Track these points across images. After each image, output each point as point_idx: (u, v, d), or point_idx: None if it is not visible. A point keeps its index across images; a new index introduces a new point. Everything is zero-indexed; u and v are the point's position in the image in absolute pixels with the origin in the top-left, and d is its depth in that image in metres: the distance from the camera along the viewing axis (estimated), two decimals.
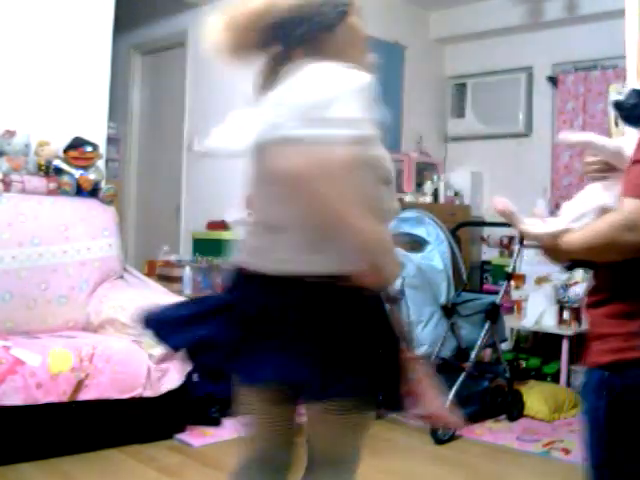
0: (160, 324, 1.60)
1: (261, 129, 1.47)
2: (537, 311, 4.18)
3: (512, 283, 4.41)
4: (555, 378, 4.06)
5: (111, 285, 3.46)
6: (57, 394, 2.75)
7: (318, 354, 1.43)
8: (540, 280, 4.54)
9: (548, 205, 5.08)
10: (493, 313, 3.47)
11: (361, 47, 1.63)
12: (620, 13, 2.60)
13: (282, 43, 1.58)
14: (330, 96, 1.36)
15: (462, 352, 3.38)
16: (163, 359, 2.96)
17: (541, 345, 4.40)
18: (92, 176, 3.60)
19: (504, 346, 4.09)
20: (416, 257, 3.36)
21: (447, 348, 3.31)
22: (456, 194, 5.53)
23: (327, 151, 1.31)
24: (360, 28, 1.62)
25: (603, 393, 1.34)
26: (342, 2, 1.57)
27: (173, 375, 3.07)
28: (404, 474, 2.88)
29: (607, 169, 1.54)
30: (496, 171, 5.64)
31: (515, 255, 3.72)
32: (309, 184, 1.30)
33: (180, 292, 3.91)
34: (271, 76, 1.63)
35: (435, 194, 5.34)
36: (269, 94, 1.56)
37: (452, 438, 3.25)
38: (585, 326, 3.83)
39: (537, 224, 1.52)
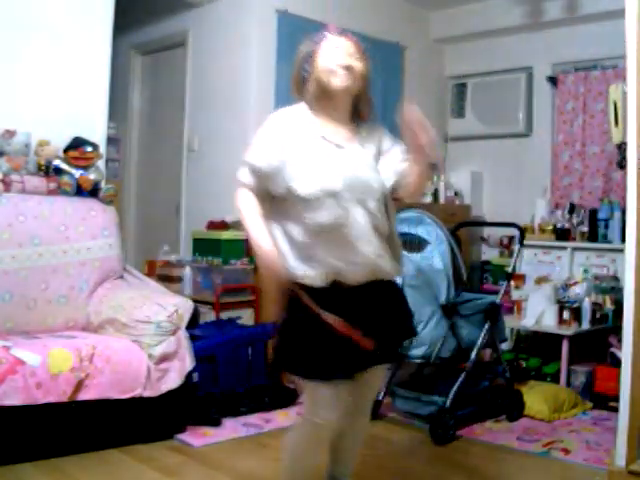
0: None
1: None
2: (537, 311, 4.18)
3: (512, 283, 4.41)
4: (555, 378, 4.06)
5: (111, 285, 3.46)
6: (57, 394, 2.75)
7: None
8: (540, 280, 4.54)
9: (548, 205, 5.09)
10: (493, 313, 3.47)
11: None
12: (620, 13, 2.60)
13: None
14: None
15: (462, 352, 3.37)
16: None
17: (541, 345, 4.40)
18: (92, 176, 3.60)
19: (504, 346, 4.09)
20: (416, 257, 3.35)
21: (447, 348, 3.31)
22: (456, 194, 5.53)
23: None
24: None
25: None
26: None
27: (173, 375, 3.07)
28: (404, 474, 2.88)
29: None
30: (496, 171, 5.64)
31: (515, 255, 3.72)
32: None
33: (180, 292, 3.91)
34: None
35: (435, 194, 5.34)
36: None
37: (452, 438, 3.25)
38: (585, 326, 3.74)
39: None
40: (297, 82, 2.05)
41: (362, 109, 2.09)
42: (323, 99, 2.01)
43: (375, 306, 2.05)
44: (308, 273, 1.94)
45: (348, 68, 1.97)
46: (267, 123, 2.02)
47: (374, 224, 1.98)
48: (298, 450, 2.14)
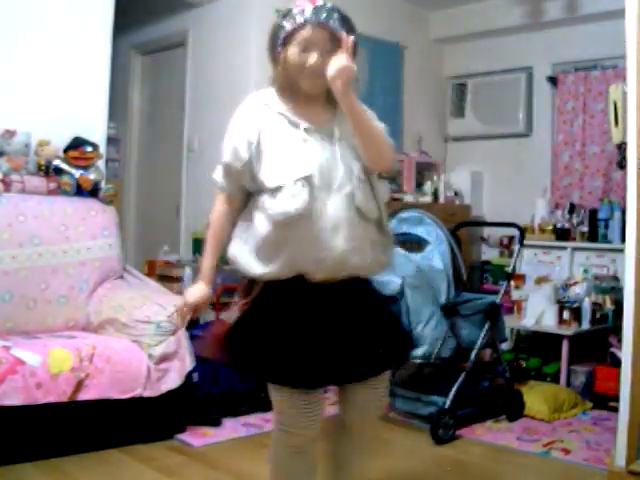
0: None
1: None
2: (537, 311, 4.18)
3: (512, 283, 4.41)
4: (555, 378, 4.06)
5: (111, 285, 3.46)
6: (57, 394, 2.75)
7: None
8: (540, 280, 4.54)
9: (548, 205, 5.09)
10: (493, 313, 3.47)
11: None
12: (620, 13, 2.60)
13: None
14: None
15: (462, 352, 3.37)
16: None
17: (541, 345, 4.40)
18: (92, 176, 3.60)
19: (504, 346, 4.09)
20: (416, 257, 3.35)
21: (447, 348, 3.31)
22: (456, 194, 5.53)
23: None
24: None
25: None
26: None
27: (173, 375, 3.07)
28: (404, 474, 2.88)
29: None
30: (496, 171, 5.64)
31: (515, 255, 3.72)
32: None
33: (180, 292, 3.91)
34: None
35: (435, 194, 5.34)
36: None
37: (452, 438, 3.25)
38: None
39: None
40: (271, 60, 1.85)
41: None
42: (294, 86, 1.83)
43: (345, 312, 1.82)
44: (269, 270, 1.79)
45: (320, 68, 1.74)
46: (236, 114, 1.87)
47: (356, 209, 1.79)
48: (279, 464, 1.94)
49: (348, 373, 1.83)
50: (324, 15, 1.74)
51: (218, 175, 1.95)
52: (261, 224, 1.80)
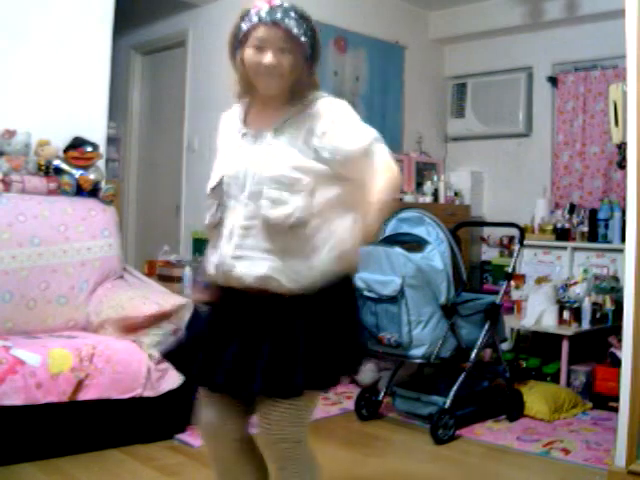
0: None
1: None
2: (537, 311, 4.18)
3: (512, 283, 4.41)
4: (555, 378, 4.06)
5: (111, 285, 3.46)
6: (57, 394, 2.75)
7: None
8: (540, 280, 4.54)
9: (548, 205, 5.09)
10: (493, 313, 3.47)
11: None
12: (620, 13, 2.60)
13: None
14: None
15: (462, 352, 3.37)
16: None
17: (541, 345, 4.40)
18: (92, 176, 3.60)
19: (504, 346, 4.09)
20: (416, 257, 3.35)
21: (447, 348, 3.31)
22: (456, 194, 5.53)
23: None
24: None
25: None
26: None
27: (173, 375, 3.06)
28: (404, 474, 2.88)
29: None
30: (496, 171, 5.64)
31: (515, 255, 3.72)
32: None
33: (180, 292, 3.91)
34: None
35: (435, 194, 5.34)
36: None
37: (452, 438, 3.25)
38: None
39: None
40: (232, 64, 1.83)
41: (299, 91, 1.80)
42: (252, 91, 1.83)
43: (256, 329, 1.73)
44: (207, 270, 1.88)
45: (273, 67, 1.71)
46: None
47: (256, 215, 1.72)
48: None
49: (236, 386, 1.73)
50: (279, 15, 1.71)
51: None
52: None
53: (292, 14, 1.72)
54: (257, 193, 1.73)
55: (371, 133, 1.76)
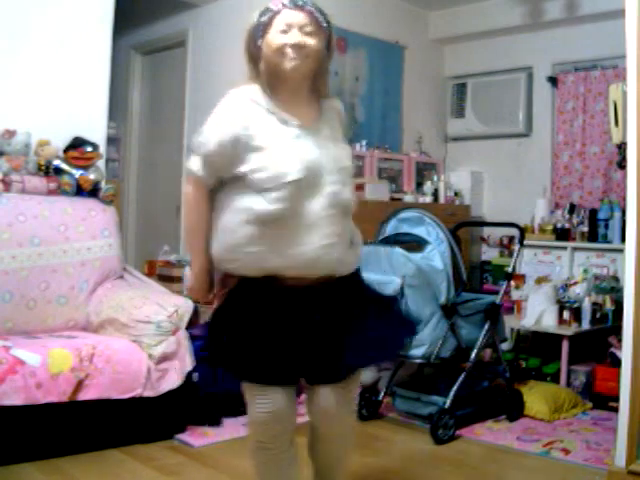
0: None
1: None
2: (537, 311, 4.18)
3: (512, 283, 4.41)
4: (555, 378, 4.06)
5: (111, 285, 3.46)
6: (57, 394, 2.75)
7: None
8: (540, 280, 4.54)
9: (548, 205, 5.09)
10: (493, 313, 3.47)
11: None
12: (620, 13, 2.59)
13: None
14: None
15: (462, 352, 3.37)
16: None
17: (541, 345, 4.40)
18: (92, 176, 3.60)
19: (504, 346, 4.09)
20: (416, 257, 3.35)
21: (447, 348, 3.31)
22: (456, 194, 5.53)
23: None
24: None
25: None
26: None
27: (173, 375, 3.07)
28: (404, 474, 2.88)
29: None
30: (496, 171, 5.64)
31: (515, 255, 3.72)
32: None
33: (180, 292, 3.91)
34: None
35: (435, 194, 5.34)
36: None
37: (452, 438, 3.25)
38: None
39: None
40: (249, 59, 1.90)
41: (319, 86, 1.92)
42: (277, 79, 1.86)
43: (323, 314, 1.85)
44: (236, 266, 1.83)
45: (300, 47, 1.79)
46: (220, 108, 1.91)
47: (338, 206, 1.84)
48: (251, 458, 2.02)
49: (311, 375, 1.91)
50: (301, 1, 1.83)
51: (196, 164, 1.92)
52: (235, 218, 1.82)
53: (311, 3, 1.87)
54: (335, 183, 1.83)
55: None
